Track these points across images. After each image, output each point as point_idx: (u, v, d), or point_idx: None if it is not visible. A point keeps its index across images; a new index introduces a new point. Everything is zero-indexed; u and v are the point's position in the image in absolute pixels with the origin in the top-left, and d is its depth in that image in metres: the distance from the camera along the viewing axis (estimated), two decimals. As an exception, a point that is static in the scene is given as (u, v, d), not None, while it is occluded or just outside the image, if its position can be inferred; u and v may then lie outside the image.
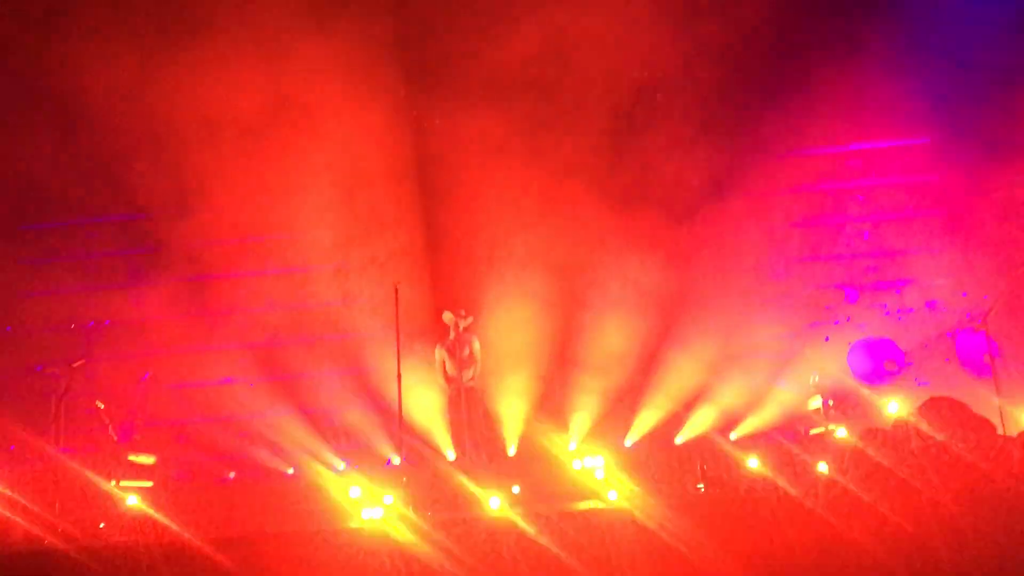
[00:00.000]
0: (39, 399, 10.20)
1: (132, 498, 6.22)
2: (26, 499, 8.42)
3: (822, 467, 6.40)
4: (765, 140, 11.49)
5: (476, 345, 11.23)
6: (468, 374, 11.17)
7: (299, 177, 11.67)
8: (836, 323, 10.54)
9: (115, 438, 10.95)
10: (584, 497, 8.29)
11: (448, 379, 11.26)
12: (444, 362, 11.27)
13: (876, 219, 12.08)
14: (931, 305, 10.08)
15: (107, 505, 9.00)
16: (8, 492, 8.38)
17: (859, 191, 12.21)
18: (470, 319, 11.30)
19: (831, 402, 10.29)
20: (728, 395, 11.65)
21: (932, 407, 6.33)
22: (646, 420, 11.38)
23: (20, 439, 10.30)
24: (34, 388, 10.40)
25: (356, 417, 11.87)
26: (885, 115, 11.42)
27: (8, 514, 8.15)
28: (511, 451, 11.26)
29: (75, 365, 10.69)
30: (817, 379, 10.59)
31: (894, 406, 7.51)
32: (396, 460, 10.97)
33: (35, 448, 10.05)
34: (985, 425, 6.10)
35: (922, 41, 11.54)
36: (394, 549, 4.63)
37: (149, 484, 10.88)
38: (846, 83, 10.94)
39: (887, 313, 10.62)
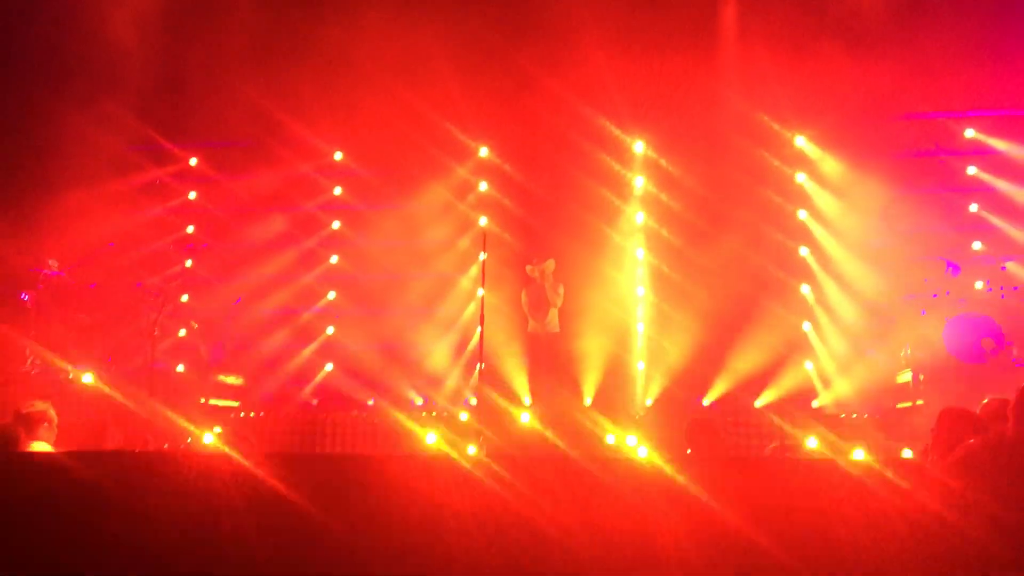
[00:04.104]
0: (137, 314, 10.58)
1: (208, 436, 6.52)
2: (121, 408, 8.83)
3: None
4: (875, 100, 11.03)
5: (560, 291, 11.22)
6: (549, 321, 11.19)
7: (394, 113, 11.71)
8: (935, 296, 10.16)
9: (206, 358, 11.36)
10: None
11: (529, 323, 11.31)
12: (528, 307, 11.31)
13: (985, 191, 11.56)
14: (1036, 283, 9.64)
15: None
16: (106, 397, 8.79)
17: (971, 160, 11.67)
18: (552, 264, 11.27)
19: (921, 376, 9.99)
20: (815, 361, 11.48)
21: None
22: (727, 380, 11.25)
23: (118, 352, 10.75)
24: (133, 304, 10.78)
25: (438, 356, 12.04)
26: (1006, 81, 10.83)
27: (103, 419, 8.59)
28: (587, 401, 11.28)
29: (173, 284, 11.10)
30: (909, 352, 10.30)
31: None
32: (473, 401, 11.12)
33: (131, 361, 10.49)
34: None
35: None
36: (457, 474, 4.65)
37: (236, 404, 11.32)
38: (964, 45, 10.41)
39: (989, 290, 10.19)
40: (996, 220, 11.44)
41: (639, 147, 12.12)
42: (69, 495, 4.77)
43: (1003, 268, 10.50)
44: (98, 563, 4.66)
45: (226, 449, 5.27)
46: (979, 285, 10.35)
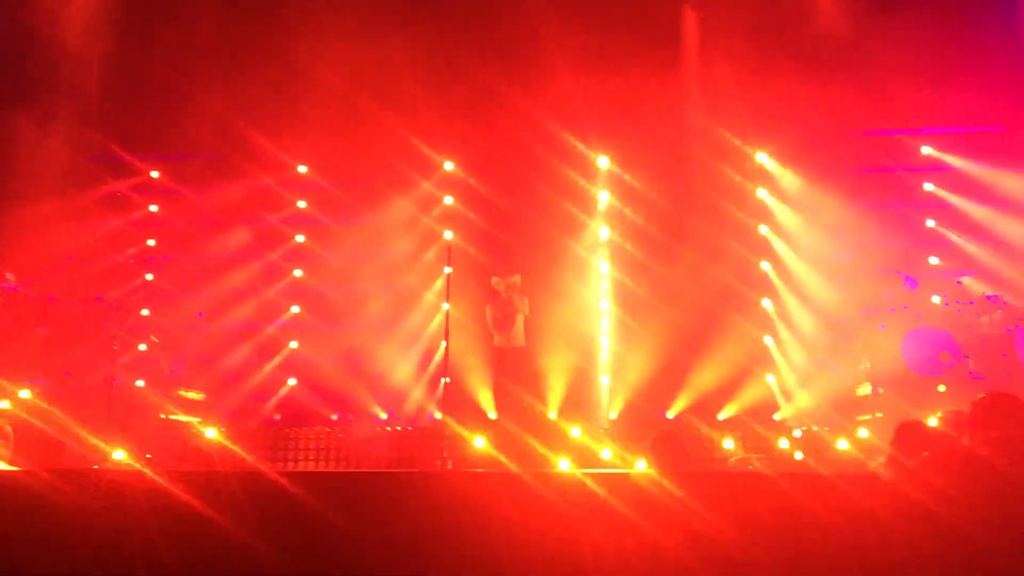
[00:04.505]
0: (96, 328, 10.43)
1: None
2: (78, 424, 8.68)
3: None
4: (834, 117, 11.22)
5: (525, 305, 11.24)
6: (515, 334, 11.21)
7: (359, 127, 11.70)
8: (893, 310, 10.34)
9: (167, 372, 11.22)
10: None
11: (495, 337, 11.31)
12: (495, 319, 11.31)
13: (942, 206, 11.79)
14: (992, 299, 9.81)
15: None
16: (61, 416, 8.64)
17: (927, 177, 11.91)
18: (518, 278, 11.31)
19: (881, 390, 10.13)
20: (776, 374, 11.60)
21: (988, 402, 6.18)
22: (690, 393, 11.33)
23: (76, 366, 10.58)
24: (92, 318, 10.62)
25: (402, 370, 11.99)
26: (961, 99, 11.07)
27: (59, 437, 8.43)
28: (552, 415, 11.29)
29: (133, 298, 10.96)
30: (869, 366, 10.44)
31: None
32: (438, 415, 11.09)
33: (90, 376, 10.33)
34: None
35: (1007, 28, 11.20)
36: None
37: (196, 420, 11.17)
38: (920, 64, 10.64)
39: (946, 304, 10.38)
40: (952, 235, 11.66)
41: (603, 162, 12.22)
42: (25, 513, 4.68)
43: (959, 283, 10.68)
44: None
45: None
46: (936, 299, 10.53)
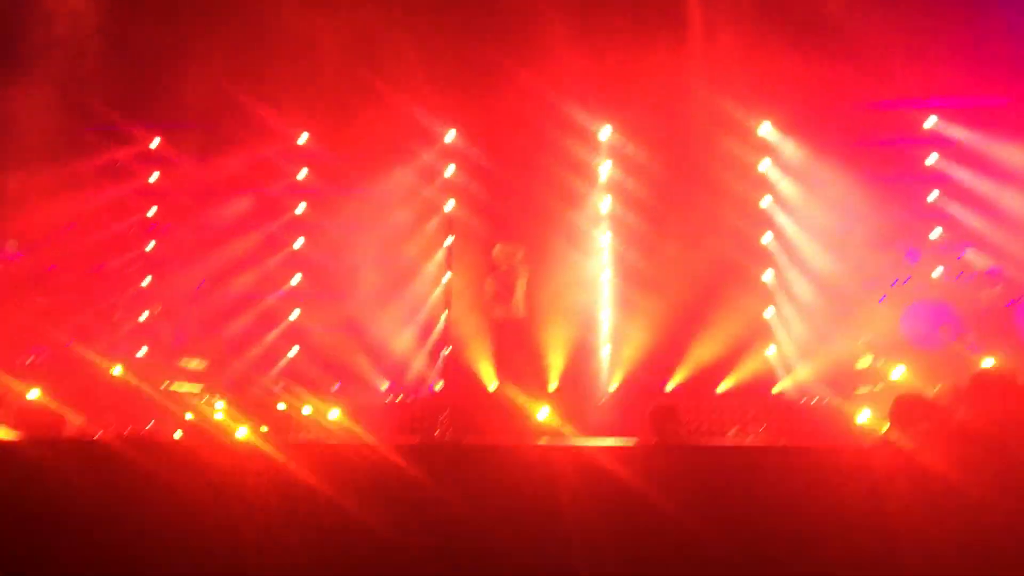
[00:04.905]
0: (98, 297, 10.46)
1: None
2: (79, 395, 8.74)
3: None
4: (839, 89, 11.14)
5: (524, 278, 11.25)
6: (515, 308, 11.23)
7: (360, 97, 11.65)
8: (894, 283, 10.33)
9: (169, 341, 11.27)
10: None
11: (495, 309, 11.34)
12: (494, 291, 11.33)
13: (945, 180, 11.74)
14: (993, 272, 9.80)
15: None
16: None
17: (930, 149, 11.85)
18: (521, 251, 11.31)
19: (881, 362, 10.16)
20: (777, 347, 11.62)
21: (985, 376, 6.20)
22: (690, 366, 11.35)
23: (78, 335, 10.62)
24: (94, 286, 10.65)
25: (403, 340, 12.02)
26: (964, 72, 11.00)
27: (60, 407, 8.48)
28: (551, 386, 11.34)
29: (134, 267, 10.99)
30: (869, 339, 10.46)
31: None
32: (438, 386, 11.15)
33: (92, 344, 10.37)
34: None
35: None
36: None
37: (198, 388, 11.23)
38: (925, 35, 10.55)
39: (947, 278, 10.38)
40: (954, 209, 11.62)
41: (605, 133, 12.15)
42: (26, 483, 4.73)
43: (960, 256, 10.66)
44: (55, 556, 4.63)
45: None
46: (937, 273, 10.51)
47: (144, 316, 11.36)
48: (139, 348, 11.00)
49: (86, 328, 10.56)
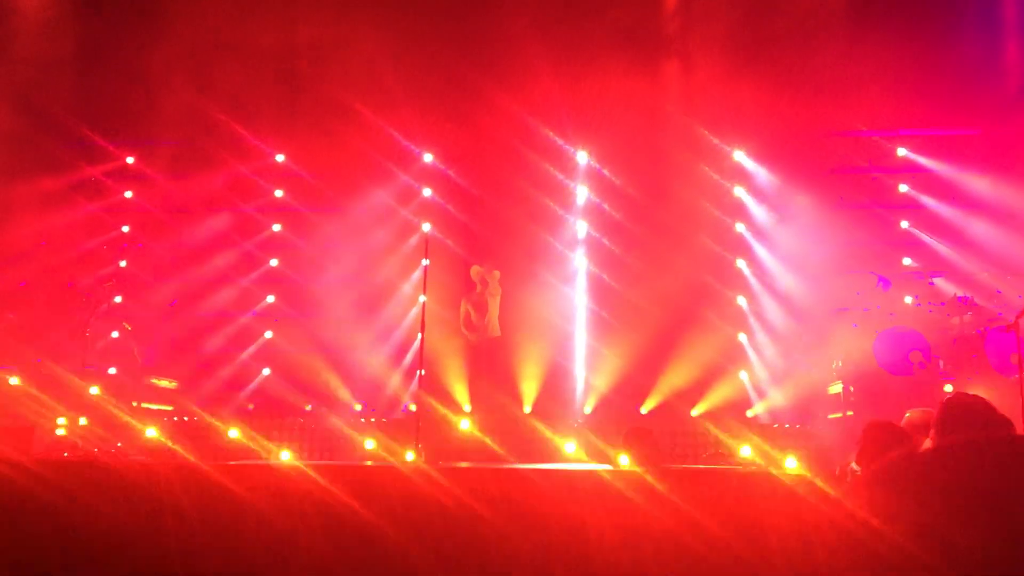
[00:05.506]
0: (69, 315, 10.33)
1: (151, 430, 6.38)
2: (50, 411, 8.61)
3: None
4: (809, 118, 11.30)
5: (495, 301, 11.27)
6: (491, 328, 11.24)
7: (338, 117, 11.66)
8: (866, 310, 10.42)
9: (139, 360, 11.13)
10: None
11: (470, 331, 11.33)
12: (468, 314, 11.33)
13: (916, 208, 11.92)
14: (963, 300, 9.92)
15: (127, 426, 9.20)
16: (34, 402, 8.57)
17: (902, 178, 12.03)
18: (497, 274, 11.35)
19: (852, 388, 10.22)
20: (750, 372, 11.68)
21: (954, 403, 6.24)
22: (664, 389, 11.38)
23: (48, 353, 10.48)
24: (64, 303, 10.53)
25: (376, 362, 11.96)
26: (938, 103, 11.20)
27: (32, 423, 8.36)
28: (526, 409, 11.32)
29: (106, 284, 10.87)
30: (840, 365, 10.53)
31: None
32: (412, 407, 11.07)
33: (62, 363, 10.22)
34: (1006, 424, 6.01)
35: (983, 32, 11.32)
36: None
37: (169, 408, 11.11)
38: (897, 66, 10.74)
39: (918, 305, 10.48)
40: (926, 237, 11.79)
41: (582, 157, 12.23)
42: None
43: (931, 284, 10.79)
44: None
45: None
46: (908, 300, 10.62)
47: (115, 334, 11.23)
48: (109, 367, 10.86)
49: (56, 346, 10.41)
